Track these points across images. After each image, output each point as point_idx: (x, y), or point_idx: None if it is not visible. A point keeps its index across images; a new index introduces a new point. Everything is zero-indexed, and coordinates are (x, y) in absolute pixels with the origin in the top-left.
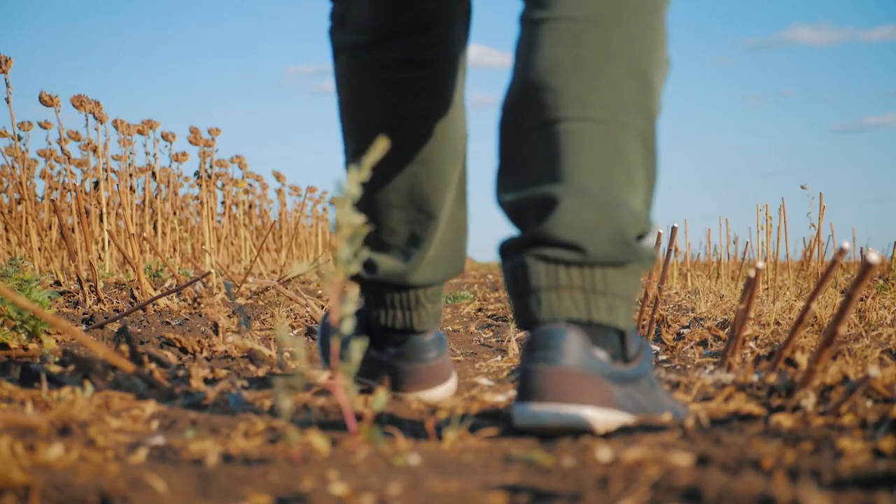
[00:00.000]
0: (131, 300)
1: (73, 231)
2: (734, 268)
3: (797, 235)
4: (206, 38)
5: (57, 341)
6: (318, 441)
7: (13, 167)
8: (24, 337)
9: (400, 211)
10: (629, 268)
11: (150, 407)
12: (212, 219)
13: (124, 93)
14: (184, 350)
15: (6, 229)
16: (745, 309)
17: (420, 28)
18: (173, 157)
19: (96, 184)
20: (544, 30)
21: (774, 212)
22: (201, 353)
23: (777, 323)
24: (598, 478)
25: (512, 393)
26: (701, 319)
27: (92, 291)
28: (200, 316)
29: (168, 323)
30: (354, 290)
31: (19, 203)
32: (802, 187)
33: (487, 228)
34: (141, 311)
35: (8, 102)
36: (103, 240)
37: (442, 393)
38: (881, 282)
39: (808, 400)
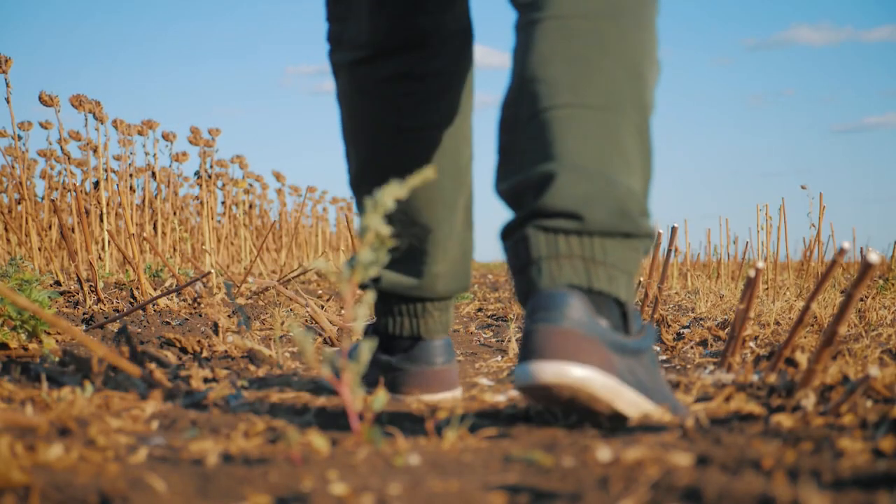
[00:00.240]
0: (131, 300)
1: (73, 231)
2: (734, 268)
3: (797, 235)
4: (206, 38)
5: (57, 341)
6: (318, 441)
7: (13, 167)
8: (24, 337)
9: (398, 225)
10: (629, 243)
11: (150, 407)
12: (212, 219)
13: (124, 93)
14: (184, 350)
15: (6, 229)
16: (745, 309)
17: (415, 45)
18: (173, 157)
19: (96, 184)
20: (538, 29)
21: (774, 212)
22: (201, 353)
23: (777, 323)
24: (598, 478)
25: (512, 393)
26: (701, 319)
27: (92, 291)
28: (200, 316)
29: (168, 323)
30: (369, 294)
31: (19, 203)
32: (802, 187)
33: (487, 228)
34: (141, 311)
35: (8, 102)
36: (103, 240)
37: (445, 398)
38: (881, 282)
39: (808, 400)
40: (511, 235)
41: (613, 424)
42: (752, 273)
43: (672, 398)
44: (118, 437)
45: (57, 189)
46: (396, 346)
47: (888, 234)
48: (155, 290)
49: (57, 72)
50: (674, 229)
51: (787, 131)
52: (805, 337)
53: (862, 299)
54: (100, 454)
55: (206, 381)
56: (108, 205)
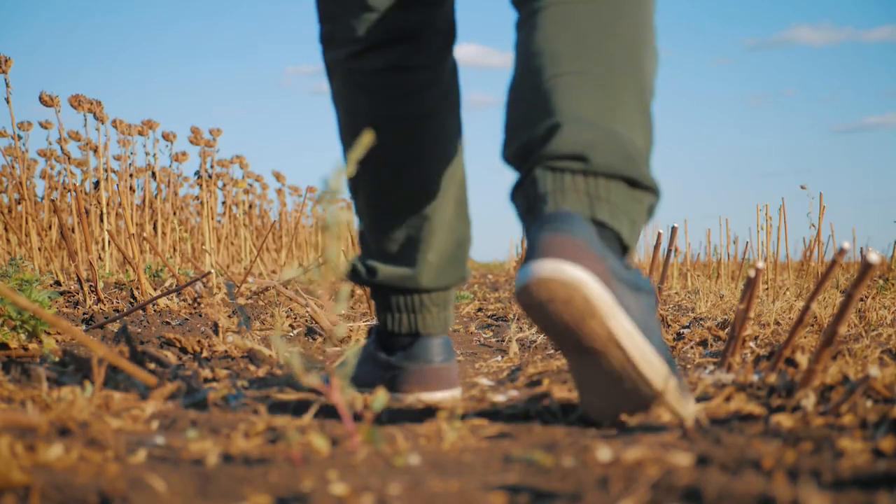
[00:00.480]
0: (131, 300)
1: (73, 231)
2: (734, 268)
3: (797, 235)
4: (206, 38)
5: (57, 341)
6: (318, 441)
7: (13, 167)
8: (24, 337)
9: (396, 215)
10: (633, 193)
11: (150, 407)
12: (212, 219)
13: (124, 93)
14: (184, 350)
15: (6, 229)
16: (745, 309)
17: (406, 38)
18: (173, 157)
19: (96, 184)
20: (541, 16)
21: (774, 212)
22: (201, 353)
23: (777, 323)
24: (598, 478)
25: (512, 393)
26: (701, 319)
27: (92, 291)
28: (200, 316)
29: (168, 323)
30: (346, 290)
31: (19, 203)
32: (802, 187)
33: (487, 229)
34: (141, 311)
35: (8, 102)
36: (103, 240)
37: (445, 398)
38: (881, 282)
39: (808, 400)
40: (520, 185)
41: (615, 426)
42: (752, 273)
43: (667, 352)
44: (118, 437)
45: (57, 189)
46: (396, 344)
47: (888, 234)
48: (155, 290)
49: (57, 72)
50: (674, 229)
51: (787, 131)
52: (805, 337)
53: (862, 299)
54: (100, 454)
55: (206, 381)
56: (108, 205)
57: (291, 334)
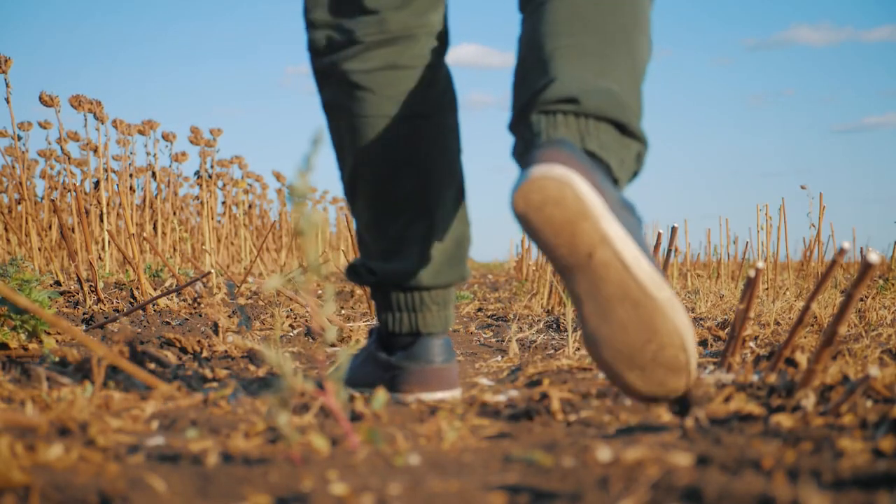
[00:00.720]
0: (131, 300)
1: (73, 231)
2: (734, 268)
3: (797, 235)
4: (206, 38)
5: (57, 341)
6: (318, 441)
7: (13, 167)
8: (23, 337)
9: (395, 214)
10: (622, 140)
11: (150, 407)
12: (212, 219)
13: (124, 93)
14: (184, 350)
15: (6, 229)
16: (745, 309)
17: (404, 37)
18: (173, 157)
19: (96, 184)
20: (544, 7)
21: (774, 212)
22: (201, 353)
23: (777, 323)
24: (598, 478)
25: (512, 393)
26: (701, 319)
27: (92, 291)
28: (200, 316)
29: (168, 323)
30: (331, 291)
31: (19, 203)
32: (802, 187)
33: (487, 229)
34: (141, 311)
35: (8, 102)
36: (103, 240)
37: (445, 398)
38: (881, 282)
39: (808, 400)
40: (520, 135)
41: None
42: (752, 273)
43: (662, 272)
44: (118, 437)
45: (57, 189)
46: (396, 344)
47: (888, 234)
48: (155, 290)
49: (57, 72)
50: (674, 229)
51: (787, 131)
52: (805, 337)
53: (862, 299)
54: (100, 454)
55: (205, 381)
56: (108, 205)
57: (291, 334)
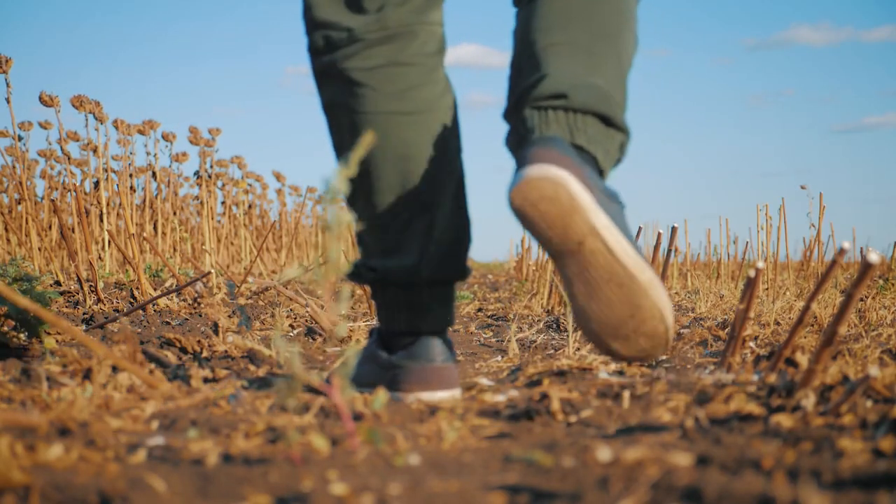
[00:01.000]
0: (131, 300)
1: (73, 231)
2: (734, 268)
3: (797, 235)
4: (206, 38)
5: (57, 341)
6: (318, 441)
7: (13, 167)
8: (23, 337)
9: (395, 211)
10: (607, 132)
11: (150, 407)
12: (212, 219)
13: (124, 93)
14: (184, 350)
15: (6, 229)
16: (745, 309)
17: (405, 35)
18: (173, 157)
19: (96, 184)
20: (536, 3)
21: (774, 212)
22: (201, 353)
23: (777, 323)
24: (598, 478)
25: (512, 393)
26: (701, 319)
27: (92, 291)
28: (200, 316)
29: (168, 323)
30: (346, 290)
31: (19, 203)
32: (802, 187)
33: (487, 229)
34: (141, 311)
35: (8, 102)
36: (103, 240)
37: (444, 398)
38: (881, 282)
39: (808, 400)
40: (513, 128)
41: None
42: (752, 273)
43: (641, 250)
44: (118, 437)
45: (57, 189)
46: (397, 343)
47: (888, 234)
48: (155, 290)
49: (57, 72)
50: (674, 229)
51: (787, 131)
52: (805, 337)
53: (862, 299)
54: (100, 454)
55: (205, 381)
56: (108, 205)
57: (291, 334)
